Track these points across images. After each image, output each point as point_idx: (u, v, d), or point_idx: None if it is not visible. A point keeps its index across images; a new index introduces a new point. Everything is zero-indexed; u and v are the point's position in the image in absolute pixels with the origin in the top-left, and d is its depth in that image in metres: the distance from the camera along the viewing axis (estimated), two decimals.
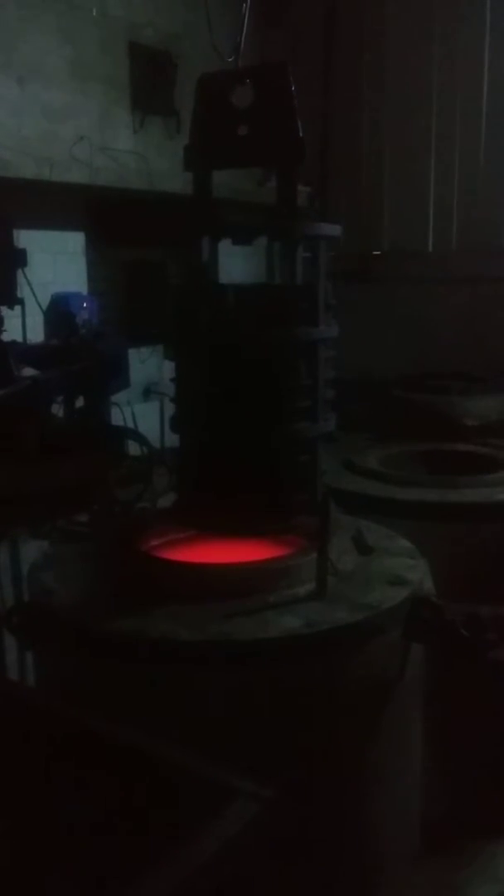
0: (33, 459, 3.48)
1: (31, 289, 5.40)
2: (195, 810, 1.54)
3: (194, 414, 2.85)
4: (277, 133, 2.77)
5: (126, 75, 6.73)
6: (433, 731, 2.82)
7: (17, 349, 4.17)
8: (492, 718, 3.01)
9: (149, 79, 6.84)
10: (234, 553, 2.80)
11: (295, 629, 2.31)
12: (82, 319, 5.79)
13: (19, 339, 5.00)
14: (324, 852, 2.37)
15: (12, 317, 5.10)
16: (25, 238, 5.64)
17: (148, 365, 6.71)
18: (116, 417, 4.48)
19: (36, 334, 5.52)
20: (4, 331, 4.39)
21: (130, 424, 4.54)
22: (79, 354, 4.09)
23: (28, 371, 4.01)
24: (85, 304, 6.12)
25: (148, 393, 6.85)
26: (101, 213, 6.54)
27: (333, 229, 2.89)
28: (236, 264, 3.90)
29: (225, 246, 2.95)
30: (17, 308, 5.19)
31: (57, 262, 6.30)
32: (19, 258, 5.27)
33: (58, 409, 4.12)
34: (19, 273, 5.25)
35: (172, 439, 3.02)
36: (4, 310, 4.86)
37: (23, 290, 5.29)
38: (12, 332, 4.93)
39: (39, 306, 5.63)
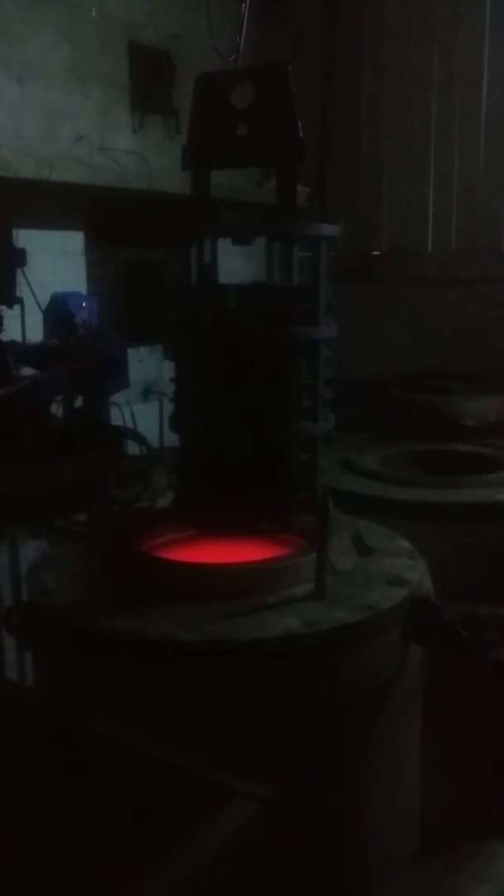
0: (32, 459, 3.48)
1: (31, 288, 5.40)
2: (194, 810, 1.54)
3: (195, 413, 2.85)
4: (277, 133, 2.77)
5: (126, 75, 6.73)
6: (432, 732, 2.82)
7: (17, 349, 4.17)
8: (491, 718, 3.01)
9: (148, 79, 6.84)
10: (234, 553, 2.80)
11: (294, 629, 2.31)
12: (81, 319, 5.79)
13: (18, 338, 4.99)
14: (322, 852, 2.37)
15: (11, 316, 5.10)
16: (25, 238, 5.64)
17: (147, 365, 6.70)
18: (115, 417, 4.48)
19: (35, 334, 5.52)
20: (3, 330, 4.39)
21: (129, 424, 4.54)
22: (78, 354, 4.08)
23: (27, 371, 4.01)
24: (84, 304, 6.11)
25: (147, 393, 6.84)
26: (100, 212, 6.53)
27: (332, 230, 2.89)
28: (235, 264, 3.89)
29: (224, 246, 2.95)
30: (17, 308, 5.18)
31: (56, 262, 6.29)
32: (19, 258, 5.27)
33: (57, 409, 4.12)
34: (19, 273, 5.25)
35: (171, 439, 3.02)
36: (4, 309, 4.86)
37: (22, 290, 5.29)
38: (11, 332, 4.93)
39: (39, 306, 5.62)
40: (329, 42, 7.44)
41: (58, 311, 5.84)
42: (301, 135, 2.76)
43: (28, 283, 5.35)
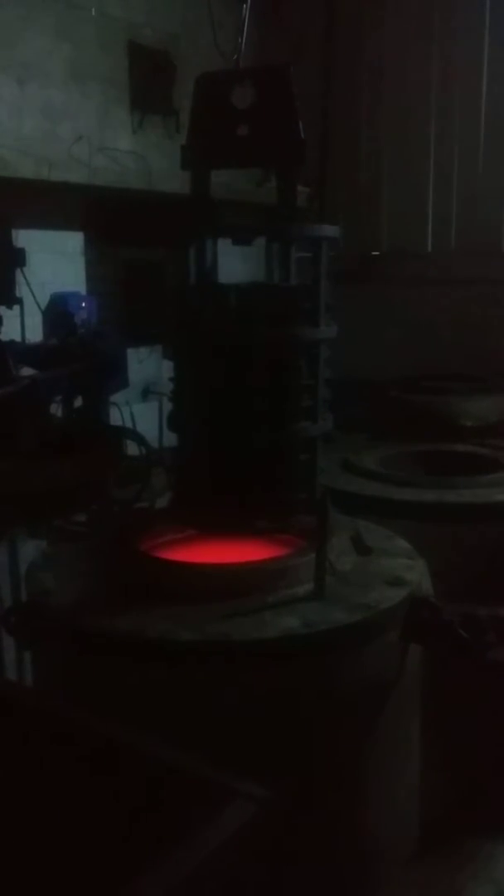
0: (32, 459, 3.48)
1: (30, 288, 5.40)
2: (193, 810, 1.54)
3: (194, 413, 2.85)
4: (278, 134, 2.78)
5: (125, 75, 6.73)
6: (432, 732, 2.82)
7: (16, 349, 4.17)
8: (490, 719, 3.01)
9: (148, 78, 6.83)
10: (233, 553, 2.80)
11: (293, 629, 2.31)
12: (81, 319, 5.79)
13: (18, 338, 4.99)
14: (322, 852, 2.37)
15: (11, 316, 5.10)
16: (24, 237, 5.63)
17: (146, 365, 6.70)
18: (115, 417, 4.48)
19: (34, 334, 5.52)
20: (2, 330, 4.39)
21: (129, 424, 4.54)
22: (77, 354, 4.08)
23: (27, 371, 4.01)
24: (84, 304, 6.11)
25: (146, 393, 6.84)
26: (100, 212, 6.53)
27: (332, 230, 2.89)
28: (235, 264, 3.90)
29: (224, 246, 2.95)
30: (16, 308, 5.18)
31: (56, 262, 6.29)
32: (18, 258, 5.26)
33: (56, 409, 4.12)
34: (18, 272, 5.25)
35: (171, 439, 3.02)
36: (3, 309, 4.86)
37: (21, 290, 5.28)
38: (11, 332, 4.92)
39: (38, 306, 5.62)
40: (329, 43, 7.44)
41: (57, 311, 5.84)
42: (302, 136, 2.76)
43: (27, 283, 5.35)
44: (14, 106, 5.81)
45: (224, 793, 1.58)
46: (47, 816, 1.75)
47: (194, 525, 2.93)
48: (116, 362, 4.30)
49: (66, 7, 6.13)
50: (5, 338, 4.38)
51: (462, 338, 6.98)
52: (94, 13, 6.35)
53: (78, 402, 4.08)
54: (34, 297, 5.48)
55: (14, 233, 5.50)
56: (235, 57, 3.79)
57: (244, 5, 3.90)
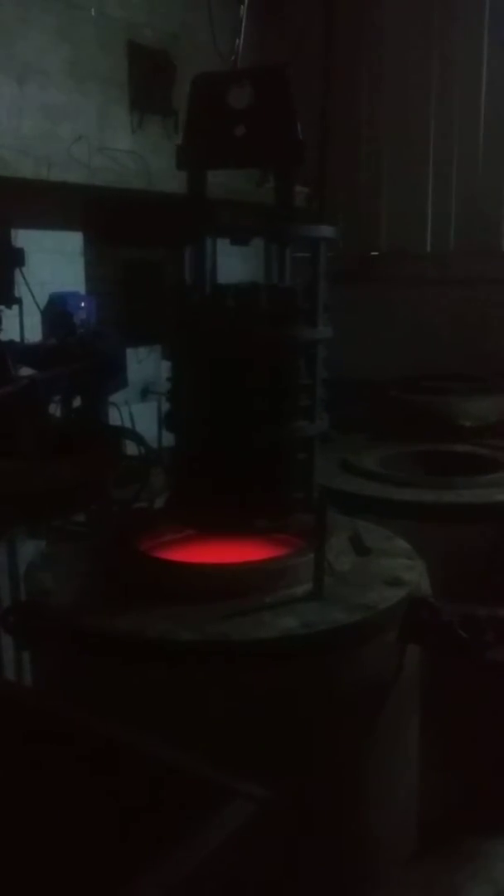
0: (31, 459, 3.48)
1: (29, 288, 5.40)
2: (193, 810, 1.54)
3: (191, 412, 2.85)
4: (276, 135, 2.77)
5: (125, 75, 6.73)
6: (430, 732, 2.82)
7: (15, 349, 4.17)
8: (489, 719, 3.01)
9: (147, 78, 6.84)
10: (232, 553, 2.80)
11: (292, 629, 2.31)
12: (80, 319, 5.79)
13: (17, 338, 4.99)
14: (321, 852, 2.37)
15: (10, 316, 5.10)
16: (23, 237, 5.64)
17: (145, 365, 6.70)
18: (114, 417, 4.48)
19: (34, 334, 5.52)
20: (2, 330, 4.39)
21: (128, 424, 4.54)
22: (76, 354, 4.08)
23: (25, 371, 4.01)
24: (83, 304, 6.12)
25: (146, 393, 6.84)
26: (99, 212, 6.53)
27: (328, 231, 2.89)
28: (235, 264, 3.90)
29: (223, 246, 2.95)
30: (15, 307, 5.18)
31: (55, 262, 6.30)
32: (17, 257, 5.27)
33: (55, 409, 4.12)
34: (17, 272, 5.25)
35: (170, 439, 3.02)
36: (2, 309, 4.86)
37: (20, 290, 5.29)
38: (10, 332, 4.93)
39: (37, 306, 5.63)
40: (329, 43, 7.43)
41: (56, 311, 5.85)
42: (300, 136, 2.76)
43: (27, 283, 5.35)
44: (14, 106, 5.82)
45: (223, 793, 1.58)
46: (47, 816, 1.75)
47: (193, 525, 2.93)
48: (115, 362, 4.30)
49: (65, 7, 6.13)
50: (4, 338, 4.38)
51: (461, 338, 6.99)
52: (93, 13, 6.35)
53: (77, 402, 4.08)
54: (33, 296, 5.49)
55: (13, 232, 5.51)
56: (233, 57, 3.78)
57: (242, 5, 3.90)
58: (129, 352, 5.18)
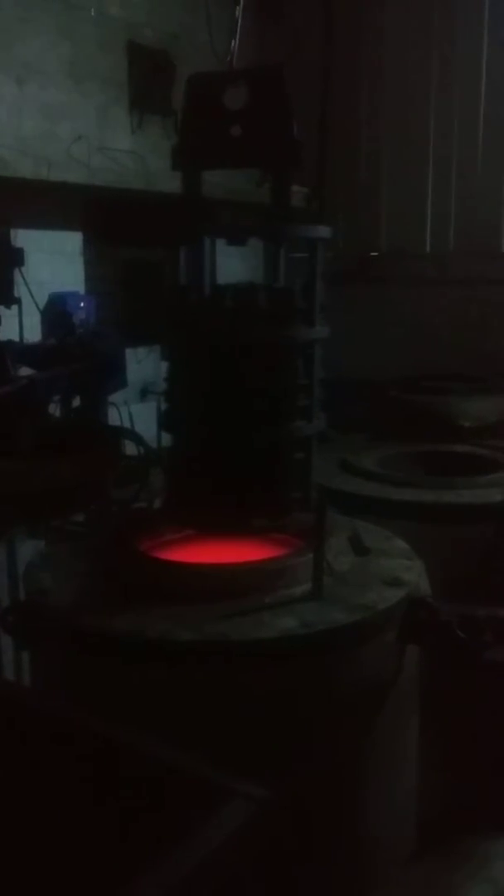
0: (30, 459, 3.48)
1: (28, 288, 5.41)
2: (192, 810, 1.54)
3: (189, 412, 2.85)
4: (273, 135, 2.77)
5: (124, 75, 6.74)
6: (430, 732, 2.82)
7: (14, 349, 4.17)
8: (488, 719, 3.01)
9: (147, 79, 6.84)
10: (231, 552, 2.80)
11: (291, 630, 2.31)
12: (79, 319, 5.80)
13: (16, 338, 5.00)
14: (319, 852, 2.37)
15: (9, 316, 5.11)
16: (23, 237, 5.65)
17: (145, 365, 6.71)
18: (113, 417, 4.48)
19: (33, 334, 5.53)
20: (1, 330, 4.39)
21: (127, 424, 4.54)
22: (76, 354, 4.09)
23: (25, 371, 4.01)
24: (82, 304, 6.12)
25: (145, 393, 6.85)
26: (99, 212, 6.54)
27: (324, 231, 2.89)
28: (234, 264, 3.90)
29: (222, 246, 2.96)
30: (15, 307, 5.19)
31: (54, 262, 6.30)
32: (17, 257, 5.27)
33: (55, 409, 4.12)
34: (16, 272, 5.25)
35: (169, 439, 3.02)
36: (1, 309, 4.87)
37: (20, 290, 5.29)
38: (9, 332, 4.93)
39: (37, 306, 5.63)
40: (328, 44, 7.44)
41: (56, 311, 5.85)
42: (297, 137, 2.76)
43: (26, 283, 5.36)
44: (13, 106, 5.82)
45: (223, 793, 1.58)
46: (46, 816, 1.75)
47: (191, 525, 2.93)
48: (115, 362, 4.31)
49: (65, 7, 6.14)
50: (3, 337, 4.39)
51: (461, 338, 7.00)
52: (93, 13, 6.36)
53: (76, 402, 4.08)
54: (32, 296, 5.50)
55: (13, 232, 5.51)
56: (229, 58, 3.79)
57: (237, 6, 3.92)
58: (129, 352, 5.18)
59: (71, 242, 6.55)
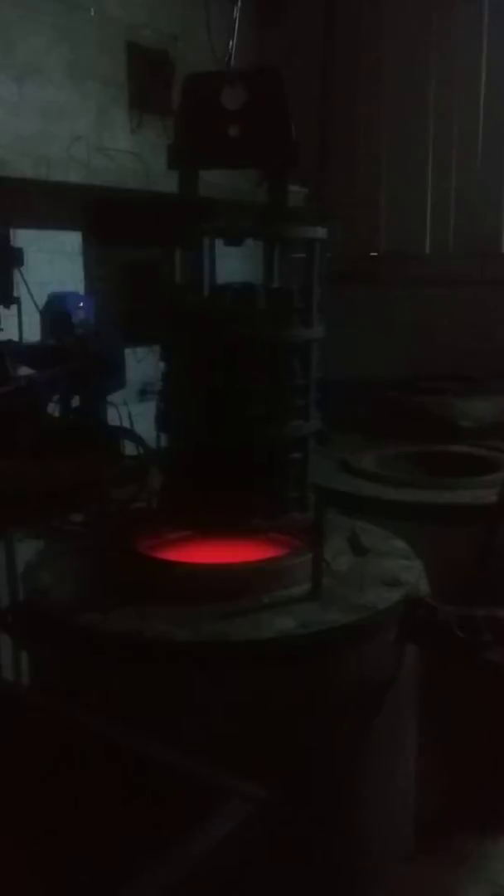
0: (29, 459, 3.48)
1: (28, 288, 5.40)
2: (189, 810, 1.54)
3: (187, 412, 2.85)
4: (270, 136, 2.77)
5: (124, 75, 6.74)
6: (428, 732, 2.82)
7: (14, 349, 4.17)
8: (486, 719, 3.01)
9: (146, 79, 6.85)
10: (229, 553, 2.80)
11: (289, 630, 2.31)
12: (79, 319, 5.80)
13: (15, 338, 5.00)
14: (317, 853, 2.37)
15: (9, 316, 5.11)
16: (22, 237, 5.64)
17: (144, 365, 6.70)
18: (112, 417, 4.48)
19: (32, 334, 5.52)
20: (1, 330, 4.39)
21: (126, 424, 4.54)
22: (75, 354, 4.08)
23: (24, 370, 4.01)
24: (81, 304, 6.12)
25: (144, 393, 6.84)
26: (98, 212, 6.54)
27: (318, 232, 2.88)
28: (234, 264, 3.90)
29: (220, 246, 2.96)
30: (14, 307, 5.18)
31: (54, 262, 6.30)
32: (16, 257, 5.27)
33: (54, 409, 4.12)
34: (16, 272, 5.25)
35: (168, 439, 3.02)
36: (1, 309, 4.87)
37: (19, 290, 5.29)
38: (9, 332, 4.93)
39: (36, 306, 5.63)
40: (328, 45, 7.45)
41: (55, 310, 5.85)
42: (294, 138, 2.76)
43: (25, 283, 5.35)
44: (13, 106, 5.82)
45: (221, 792, 1.58)
46: (45, 816, 1.75)
47: (190, 525, 2.93)
48: (114, 362, 4.31)
49: (65, 7, 6.14)
50: (3, 337, 4.38)
51: (460, 339, 7.00)
52: (93, 14, 6.36)
53: (75, 401, 4.08)
54: (32, 296, 5.49)
55: (12, 232, 5.51)
56: (227, 58, 3.79)
57: (235, 7, 3.92)
58: (128, 351, 5.18)
59: (70, 242, 6.55)
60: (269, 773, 1.68)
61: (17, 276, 5.29)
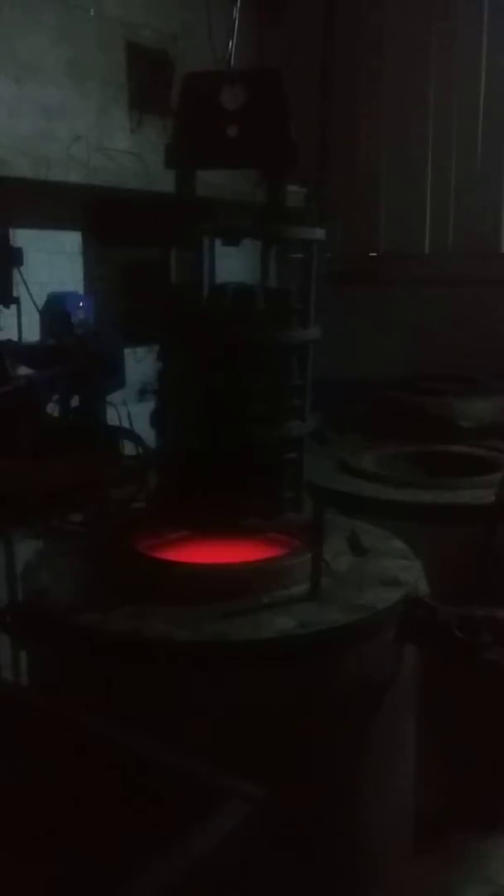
0: (29, 459, 3.48)
1: (27, 288, 5.40)
2: (189, 810, 1.54)
3: (183, 412, 2.85)
4: (269, 136, 2.77)
5: (123, 75, 6.73)
6: (427, 732, 2.82)
7: (13, 348, 4.17)
8: (486, 719, 3.01)
9: (146, 79, 6.84)
10: (228, 553, 2.80)
11: (289, 630, 2.31)
12: (78, 319, 5.80)
13: (15, 338, 5.00)
14: (317, 852, 2.37)
15: (8, 316, 5.10)
16: (22, 237, 5.64)
17: (143, 365, 6.68)
18: (112, 417, 4.48)
19: (32, 334, 5.52)
20: (0, 329, 4.39)
21: (126, 424, 4.54)
22: (74, 354, 4.09)
23: (23, 370, 4.01)
24: (81, 304, 6.12)
25: (143, 393, 6.82)
26: (97, 212, 6.53)
27: (316, 232, 2.88)
28: (234, 264, 3.90)
29: (220, 246, 2.95)
30: (13, 307, 5.18)
31: (53, 262, 6.30)
32: (15, 257, 5.27)
33: (53, 409, 4.12)
34: (15, 272, 5.25)
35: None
36: (0, 309, 4.87)
37: (19, 290, 5.29)
38: (8, 332, 4.93)
39: (35, 306, 5.63)
40: (328, 45, 7.45)
41: (54, 310, 5.85)
42: (293, 139, 2.76)
43: (25, 283, 5.35)
44: (12, 105, 5.82)
45: (221, 793, 1.58)
46: (44, 816, 1.75)
47: (187, 525, 2.93)
48: (114, 362, 4.31)
49: (65, 7, 6.14)
50: (2, 337, 4.38)
51: (459, 339, 6.99)
52: (92, 13, 6.35)
53: (75, 401, 4.08)
54: (31, 296, 5.49)
55: (12, 232, 5.51)
56: (227, 58, 3.80)
57: (234, 6, 3.93)
58: (128, 351, 5.18)
59: (70, 242, 6.54)
60: (269, 772, 1.68)
61: (16, 276, 5.29)
